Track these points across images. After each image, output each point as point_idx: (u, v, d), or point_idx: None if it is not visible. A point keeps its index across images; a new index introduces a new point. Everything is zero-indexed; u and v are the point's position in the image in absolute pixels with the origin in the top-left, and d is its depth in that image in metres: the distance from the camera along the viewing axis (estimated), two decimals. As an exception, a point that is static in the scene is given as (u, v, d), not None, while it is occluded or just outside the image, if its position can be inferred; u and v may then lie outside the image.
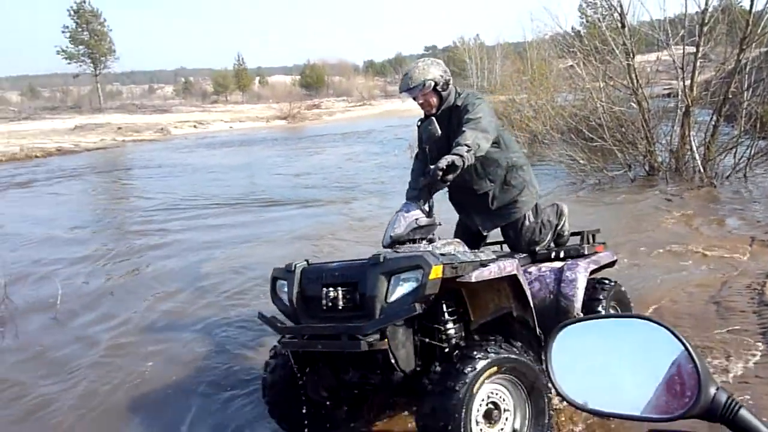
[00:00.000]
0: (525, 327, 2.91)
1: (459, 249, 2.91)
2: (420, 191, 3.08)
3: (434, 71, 3.20)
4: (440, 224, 3.03)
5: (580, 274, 3.23)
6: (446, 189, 3.28)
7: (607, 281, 3.57)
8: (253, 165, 16.51)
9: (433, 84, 3.18)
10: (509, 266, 2.75)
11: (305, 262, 2.88)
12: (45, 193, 13.29)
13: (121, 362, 4.25)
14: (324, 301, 2.65)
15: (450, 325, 2.68)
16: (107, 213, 10.84)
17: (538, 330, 2.91)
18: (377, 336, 2.44)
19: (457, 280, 2.54)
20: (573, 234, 3.68)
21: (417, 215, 2.95)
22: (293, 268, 2.82)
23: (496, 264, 2.70)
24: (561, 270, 3.29)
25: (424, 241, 2.92)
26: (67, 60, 47.36)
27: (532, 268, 3.34)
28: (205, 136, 28.38)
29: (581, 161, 10.09)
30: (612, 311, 3.48)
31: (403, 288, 2.49)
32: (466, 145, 2.93)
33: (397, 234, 2.90)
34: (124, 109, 46.95)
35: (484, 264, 2.66)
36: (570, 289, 3.20)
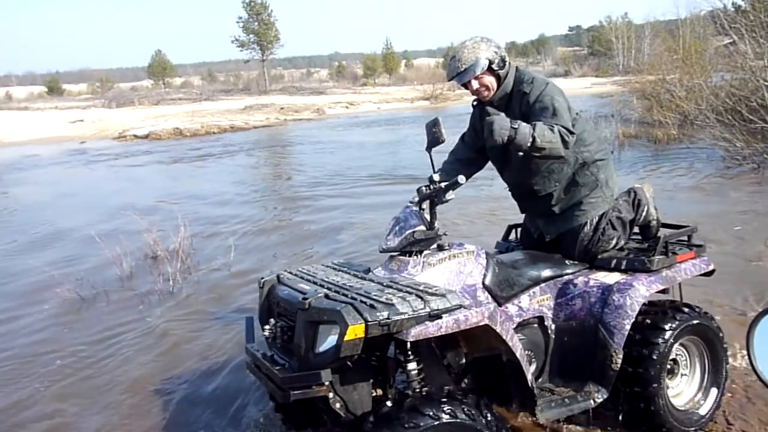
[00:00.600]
0: (518, 374, 2.44)
1: (449, 278, 2.47)
2: (428, 197, 2.59)
3: (486, 48, 2.69)
4: (444, 234, 2.59)
5: (630, 299, 2.58)
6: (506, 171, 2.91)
7: (687, 309, 2.77)
8: (400, 142, 17.18)
9: (488, 63, 2.67)
10: (474, 316, 2.23)
11: (276, 277, 2.62)
12: (222, 163, 14.93)
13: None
14: (269, 332, 2.45)
15: (411, 367, 2.34)
16: (272, 182, 12.05)
17: (530, 382, 2.44)
18: (310, 386, 2.14)
19: (395, 336, 2.13)
20: (664, 226, 2.99)
21: (415, 227, 2.51)
22: (262, 284, 2.61)
23: (454, 315, 2.18)
24: (611, 289, 2.65)
25: (424, 252, 2.52)
26: (240, 47, 51.52)
27: (580, 279, 2.75)
28: (356, 116, 29.70)
29: (738, 144, 9.45)
30: (686, 351, 2.85)
31: (329, 340, 2.13)
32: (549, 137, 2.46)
33: (390, 247, 2.54)
34: (286, 91, 50.17)
35: (434, 316, 2.13)
36: (613, 318, 2.59)
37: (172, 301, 5.35)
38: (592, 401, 2.59)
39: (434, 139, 2.69)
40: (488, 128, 2.43)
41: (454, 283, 2.48)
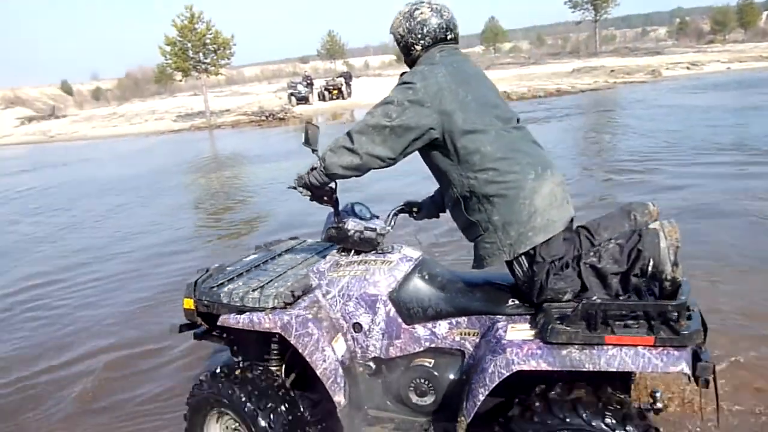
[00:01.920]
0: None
1: (341, 273, 2.43)
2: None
3: (398, 21, 2.21)
4: (382, 235, 2.42)
5: (494, 368, 1.95)
6: None
7: (602, 414, 1.84)
8: (757, 108, 14.51)
9: (395, 40, 2.26)
10: (267, 322, 2.30)
11: (204, 271, 2.68)
12: (546, 127, 14.77)
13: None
14: None
15: (272, 362, 2.50)
16: (596, 150, 11.42)
17: (337, 404, 2.29)
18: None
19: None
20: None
21: (335, 224, 2.46)
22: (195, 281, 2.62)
23: (253, 315, 2.33)
24: (494, 347, 2.02)
25: (351, 253, 2.48)
26: (572, 8, 49.59)
27: (499, 325, 2.13)
28: (698, 77, 26.12)
29: None
30: None
31: None
32: (322, 155, 2.24)
33: (323, 239, 2.56)
34: (617, 52, 46.88)
35: (241, 310, 2.35)
36: (473, 381, 2.04)
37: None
38: None
39: None
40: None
41: (354, 289, 2.37)
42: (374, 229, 2.45)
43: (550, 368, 1.89)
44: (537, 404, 1.90)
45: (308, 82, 32.45)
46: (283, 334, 2.31)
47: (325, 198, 2.43)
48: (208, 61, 28.62)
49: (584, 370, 1.85)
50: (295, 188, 2.36)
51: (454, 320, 2.28)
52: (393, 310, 2.34)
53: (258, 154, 15.63)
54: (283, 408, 2.33)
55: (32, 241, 8.52)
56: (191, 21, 27.76)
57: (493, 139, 2.04)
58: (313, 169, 2.28)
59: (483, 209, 2.06)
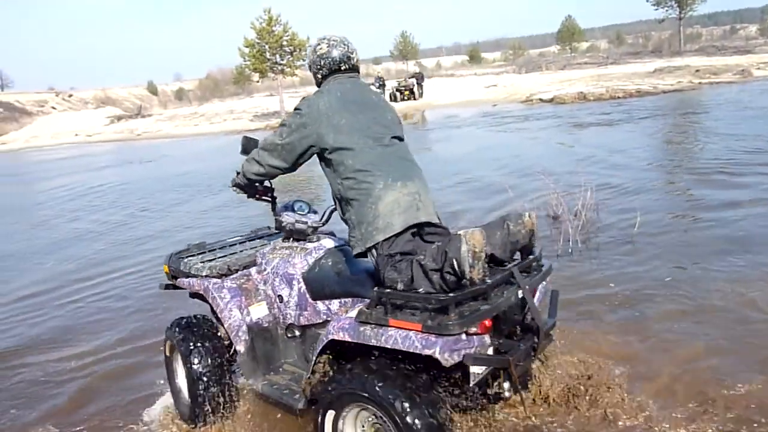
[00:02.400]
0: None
1: (277, 257, 3.02)
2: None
3: (308, 53, 2.81)
4: (314, 227, 3.00)
5: (323, 337, 2.53)
6: None
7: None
8: None
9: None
10: (195, 286, 3.13)
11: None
12: (625, 129, 14.18)
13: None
14: None
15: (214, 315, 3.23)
16: (678, 151, 10.85)
17: (239, 354, 3.01)
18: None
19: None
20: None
21: (283, 218, 3.09)
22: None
23: (190, 279, 3.17)
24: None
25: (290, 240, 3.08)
26: (655, 6, 47.39)
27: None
28: (794, 79, 24.33)
29: None
30: None
31: None
32: (242, 164, 2.86)
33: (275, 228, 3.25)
34: (703, 51, 44.45)
35: (189, 276, 3.18)
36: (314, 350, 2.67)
37: (569, 264, 5.36)
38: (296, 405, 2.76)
39: None
40: None
41: (280, 268, 2.96)
42: (305, 222, 3.02)
43: (350, 340, 2.34)
44: (347, 372, 2.37)
45: (380, 83, 32.68)
46: (204, 294, 3.08)
47: (259, 196, 3.12)
48: (284, 62, 29.36)
49: (371, 344, 2.27)
50: (232, 188, 3.00)
51: (343, 300, 2.75)
52: (304, 287, 2.86)
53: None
54: (211, 348, 3.05)
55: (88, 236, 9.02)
56: (269, 23, 28.57)
57: (356, 155, 2.51)
58: (237, 173, 2.89)
59: (347, 210, 2.57)
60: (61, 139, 38.86)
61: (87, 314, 5.61)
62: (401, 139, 2.73)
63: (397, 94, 31.71)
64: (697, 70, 27.91)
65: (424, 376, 2.32)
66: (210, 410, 3.01)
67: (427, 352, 2.12)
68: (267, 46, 28.69)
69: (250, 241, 3.50)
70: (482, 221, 6.66)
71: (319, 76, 2.75)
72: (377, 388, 2.24)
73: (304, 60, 29.93)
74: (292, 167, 2.71)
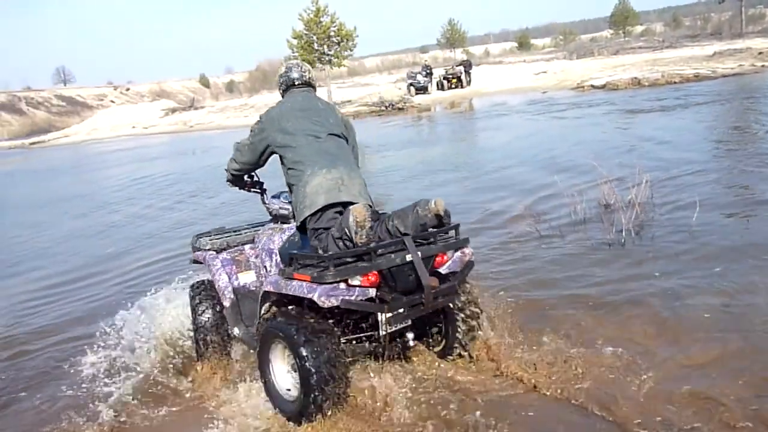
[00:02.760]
0: None
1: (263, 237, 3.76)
2: None
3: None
4: (281, 215, 3.82)
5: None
6: None
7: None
8: None
9: None
10: (198, 257, 4.05)
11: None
12: (681, 115, 13.65)
13: None
14: None
15: None
16: (737, 140, 10.37)
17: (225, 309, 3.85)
18: None
19: None
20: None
21: (270, 205, 3.89)
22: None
23: (198, 253, 4.04)
24: None
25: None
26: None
27: None
28: None
29: None
30: None
31: None
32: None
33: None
34: (767, 32, 42.17)
35: (198, 250, 4.06)
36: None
37: (622, 255, 5.24)
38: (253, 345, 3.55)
39: None
40: None
41: (266, 244, 3.63)
42: (287, 209, 3.72)
43: (273, 290, 3.13)
44: (273, 317, 3.20)
45: (427, 71, 32.44)
46: (202, 263, 3.96)
47: (248, 188, 3.88)
48: (331, 53, 29.48)
49: (283, 293, 3.06)
50: (227, 182, 3.79)
51: None
52: (278, 259, 3.44)
53: (382, 143, 15.92)
54: (210, 304, 3.88)
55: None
56: (317, 14, 28.74)
57: (296, 150, 3.26)
58: (226, 170, 3.70)
59: (292, 194, 3.32)
60: (120, 132, 40.33)
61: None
62: (339, 136, 3.40)
63: (444, 82, 31.42)
64: (760, 53, 26.56)
65: (330, 322, 3.11)
66: (207, 350, 3.89)
67: (310, 296, 2.84)
68: (315, 37, 28.89)
69: (262, 225, 4.04)
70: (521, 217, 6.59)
71: (281, 90, 3.59)
72: (284, 327, 3.00)
73: (351, 51, 30.03)
74: (257, 163, 3.54)
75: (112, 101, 79.69)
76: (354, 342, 3.29)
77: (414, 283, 3.03)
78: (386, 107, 26.54)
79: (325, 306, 2.80)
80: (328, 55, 29.47)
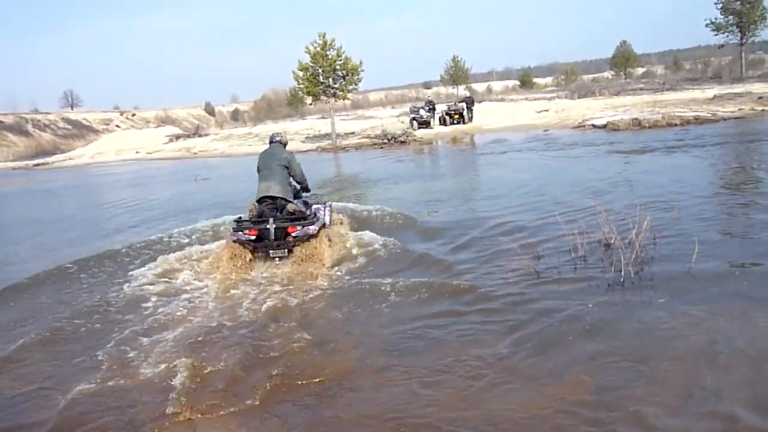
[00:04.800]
0: None
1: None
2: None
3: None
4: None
5: None
6: None
7: None
8: None
9: None
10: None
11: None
12: (681, 157, 13.74)
13: None
14: None
15: None
16: (737, 181, 10.42)
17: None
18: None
19: None
20: None
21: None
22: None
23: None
24: None
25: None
26: (715, 31, 46.01)
27: None
28: None
29: None
30: None
31: None
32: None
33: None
34: (766, 77, 42.75)
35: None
36: None
37: (619, 292, 5.21)
38: None
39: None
40: None
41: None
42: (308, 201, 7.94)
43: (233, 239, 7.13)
44: None
45: (430, 106, 32.81)
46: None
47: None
48: (336, 86, 29.80)
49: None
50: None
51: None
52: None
53: (383, 176, 15.98)
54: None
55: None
56: (323, 48, 29.13)
57: (260, 172, 7.48)
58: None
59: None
60: (124, 156, 40.53)
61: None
62: (281, 165, 7.35)
63: (447, 117, 31.72)
64: (760, 97, 26.88)
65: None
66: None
67: (230, 238, 6.98)
68: (321, 70, 29.23)
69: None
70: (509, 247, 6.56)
71: (267, 141, 8.08)
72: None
73: (356, 84, 30.36)
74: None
75: (118, 126, 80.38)
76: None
77: (273, 236, 6.91)
78: (389, 140, 26.75)
79: (232, 240, 6.96)
80: (332, 88, 29.78)
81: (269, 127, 47.31)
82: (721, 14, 45.65)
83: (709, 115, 22.84)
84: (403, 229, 8.66)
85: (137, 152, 41.08)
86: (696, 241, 5.82)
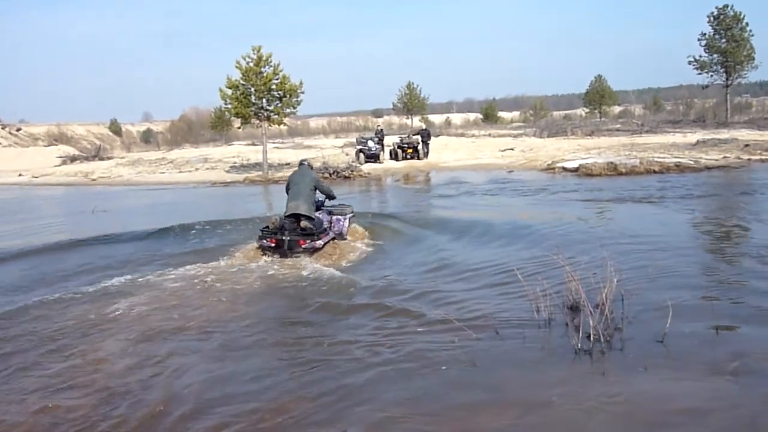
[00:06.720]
0: None
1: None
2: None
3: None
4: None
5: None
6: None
7: None
8: None
9: None
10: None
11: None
12: (660, 208, 14.37)
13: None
14: None
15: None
16: (720, 238, 10.96)
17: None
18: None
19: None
20: None
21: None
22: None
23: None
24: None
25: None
26: (698, 70, 48.89)
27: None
28: None
29: None
30: None
31: None
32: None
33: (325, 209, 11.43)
34: (753, 123, 45.68)
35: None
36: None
37: (588, 364, 5.35)
38: None
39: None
40: None
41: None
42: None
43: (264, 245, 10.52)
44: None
45: (380, 136, 33.31)
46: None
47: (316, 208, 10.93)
48: (271, 108, 29.75)
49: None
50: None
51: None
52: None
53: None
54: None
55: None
56: (258, 64, 29.12)
57: (291, 188, 10.73)
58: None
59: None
60: (3, 179, 39.12)
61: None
62: (307, 183, 10.50)
63: (399, 151, 32.21)
64: (747, 145, 28.63)
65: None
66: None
67: (257, 243, 10.54)
68: (253, 89, 29.14)
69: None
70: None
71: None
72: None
73: (295, 108, 30.42)
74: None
75: (-2, 142, 77.65)
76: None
77: (287, 246, 10.00)
78: (330, 174, 26.85)
79: (257, 245, 10.47)
80: (266, 110, 29.74)
81: (187, 153, 46.84)
82: (705, 51, 48.62)
83: (692, 162, 24.10)
84: (332, 295, 8.66)
85: (20, 175, 39.74)
86: (669, 306, 6.05)
